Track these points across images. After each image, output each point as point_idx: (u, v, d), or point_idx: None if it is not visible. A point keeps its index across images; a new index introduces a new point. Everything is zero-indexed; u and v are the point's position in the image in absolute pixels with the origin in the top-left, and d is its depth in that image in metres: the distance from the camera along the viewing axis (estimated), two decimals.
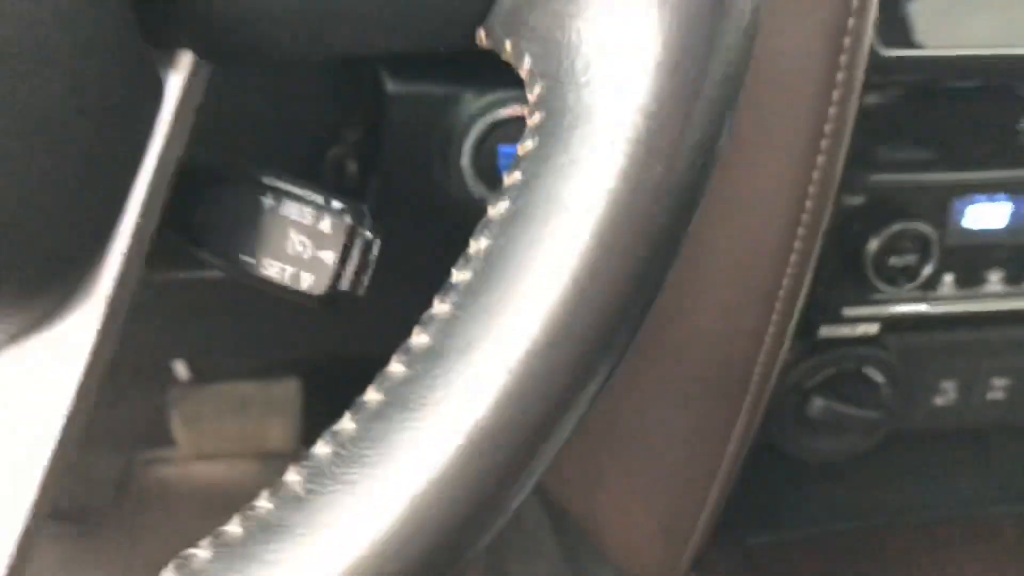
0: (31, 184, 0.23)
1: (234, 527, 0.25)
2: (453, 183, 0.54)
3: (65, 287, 0.26)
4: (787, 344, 0.57)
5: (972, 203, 0.57)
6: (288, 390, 1.06)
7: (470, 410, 0.23)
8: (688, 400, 0.61)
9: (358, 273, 0.31)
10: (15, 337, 0.27)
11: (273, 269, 0.30)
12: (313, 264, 0.30)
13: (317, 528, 0.23)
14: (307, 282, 0.30)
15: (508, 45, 0.26)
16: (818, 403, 0.62)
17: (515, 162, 0.25)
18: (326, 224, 0.30)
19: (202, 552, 0.25)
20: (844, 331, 0.60)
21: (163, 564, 0.25)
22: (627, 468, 0.70)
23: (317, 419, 1.12)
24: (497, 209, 0.25)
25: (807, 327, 0.58)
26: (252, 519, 0.25)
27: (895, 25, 0.47)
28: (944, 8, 0.48)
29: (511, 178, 0.25)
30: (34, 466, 0.26)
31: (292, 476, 0.25)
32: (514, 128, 0.54)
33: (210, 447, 1.09)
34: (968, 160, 0.56)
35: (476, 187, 0.54)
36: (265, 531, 0.24)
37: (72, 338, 0.26)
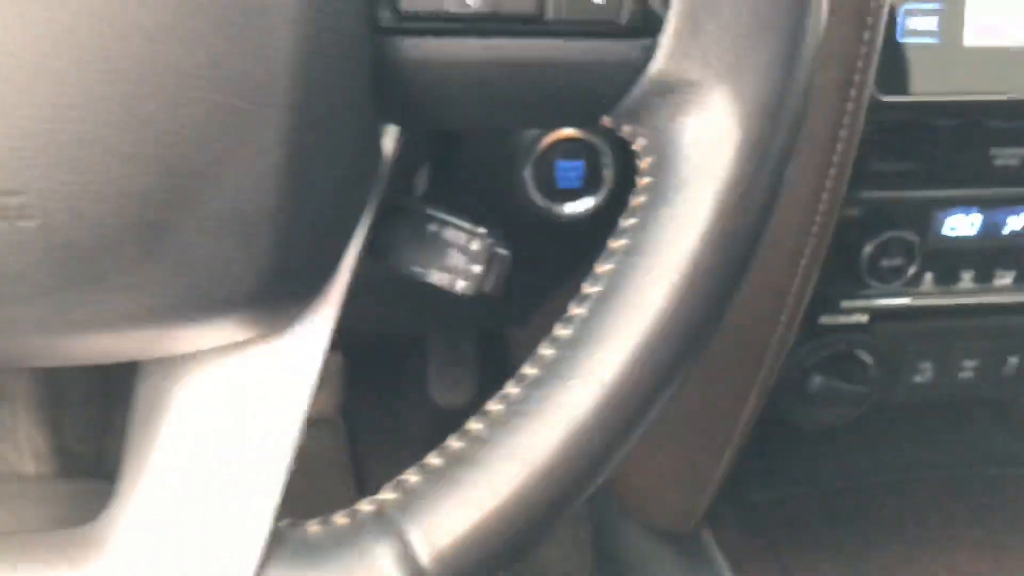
0: (306, 214, 0.33)
1: (434, 459, 0.36)
2: (516, 191, 0.65)
3: (312, 295, 0.36)
4: (794, 329, 0.68)
5: (950, 215, 0.68)
6: (333, 363, 1.17)
7: (601, 380, 0.34)
8: (709, 374, 0.72)
9: (496, 279, 0.42)
10: (266, 336, 0.37)
11: (436, 277, 0.41)
12: (466, 273, 0.41)
13: (497, 460, 0.35)
14: (461, 286, 0.41)
15: (627, 129, 0.36)
16: (817, 379, 0.73)
17: (629, 210, 0.36)
18: (475, 244, 0.41)
19: (412, 476, 0.36)
20: (840, 320, 0.71)
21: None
22: (651, 431, 0.82)
23: (355, 389, 1.23)
24: (618, 243, 0.36)
25: (809, 316, 0.69)
26: (447, 453, 0.36)
27: (891, 75, 0.58)
28: (930, 61, 0.59)
29: (627, 222, 0.36)
30: (282, 455, 0.37)
31: (474, 425, 0.36)
32: (569, 147, 0.64)
33: None
34: (947, 179, 0.67)
35: (535, 195, 0.65)
36: (459, 462, 0.35)
37: (313, 336, 0.37)
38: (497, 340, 1.16)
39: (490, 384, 0.38)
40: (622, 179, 0.62)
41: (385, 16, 0.32)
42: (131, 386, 0.38)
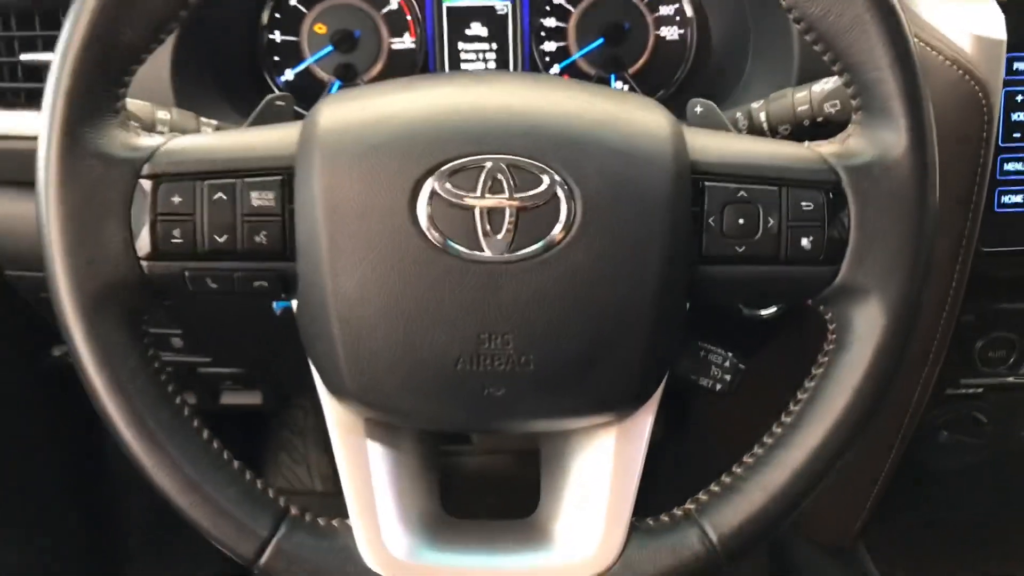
0: (659, 351, 0.64)
1: (725, 478, 0.66)
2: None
3: (650, 396, 0.67)
4: (927, 398, 0.96)
5: None
6: None
7: (817, 441, 0.64)
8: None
9: (738, 384, 0.72)
10: (622, 419, 0.68)
11: (704, 381, 0.72)
12: (722, 380, 0.72)
13: (769, 484, 0.64)
14: (719, 387, 0.72)
15: (821, 308, 0.66)
16: (944, 434, 1.00)
17: (823, 355, 0.65)
18: (727, 363, 0.72)
19: (709, 488, 0.66)
20: (961, 391, 0.98)
21: None
22: None
23: None
24: (817, 371, 0.65)
25: (938, 389, 0.97)
26: (730, 475, 0.66)
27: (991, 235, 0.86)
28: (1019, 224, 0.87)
29: (823, 359, 0.65)
30: (634, 474, 0.68)
31: (747, 459, 0.66)
32: None
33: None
34: None
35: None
36: (738, 484, 0.65)
37: (645, 419, 0.68)
38: None
39: None
40: None
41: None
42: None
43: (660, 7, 1.03)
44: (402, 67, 1.03)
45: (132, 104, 0.75)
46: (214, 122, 0.81)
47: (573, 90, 0.66)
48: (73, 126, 0.60)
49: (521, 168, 0.59)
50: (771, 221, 0.62)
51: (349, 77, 1.02)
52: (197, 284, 0.62)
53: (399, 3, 1.01)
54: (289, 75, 1.02)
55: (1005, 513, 1.11)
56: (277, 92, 1.01)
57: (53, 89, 0.59)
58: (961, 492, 1.14)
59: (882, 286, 0.63)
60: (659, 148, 0.62)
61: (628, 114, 0.64)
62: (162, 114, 0.78)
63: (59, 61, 0.59)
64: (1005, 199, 0.86)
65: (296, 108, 1.01)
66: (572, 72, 1.04)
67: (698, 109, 0.75)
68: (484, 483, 1.44)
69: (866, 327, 0.63)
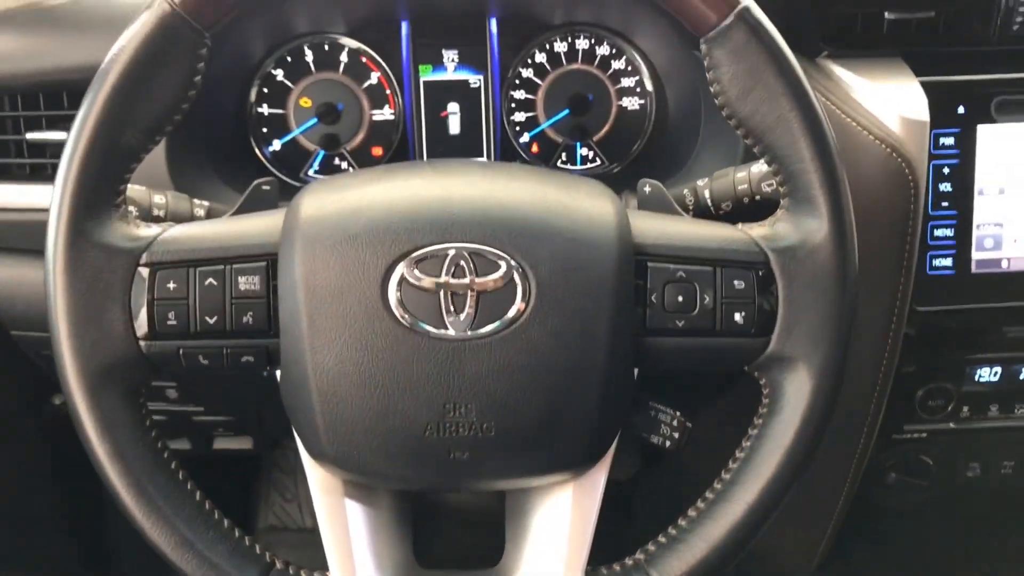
0: (612, 418, 0.71)
1: (671, 529, 0.73)
2: None
3: (604, 454, 0.74)
4: (873, 443, 1.03)
5: (978, 368, 1.01)
6: None
7: (750, 503, 0.71)
8: (820, 469, 1.08)
9: (685, 441, 0.79)
10: (579, 476, 0.74)
11: (654, 439, 0.79)
12: (670, 438, 0.79)
13: (710, 536, 0.71)
14: (668, 444, 0.79)
15: (755, 374, 0.73)
16: (892, 475, 1.07)
17: (758, 416, 0.72)
18: (675, 422, 0.79)
19: (657, 539, 0.73)
20: (906, 436, 1.05)
21: None
22: None
23: None
24: (753, 431, 0.72)
25: (883, 434, 1.04)
26: (675, 527, 0.72)
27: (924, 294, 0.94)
28: (949, 285, 0.94)
29: (757, 421, 0.72)
30: (591, 521, 0.75)
31: (691, 512, 0.72)
32: None
33: None
34: (975, 348, 1.01)
35: None
36: (682, 535, 0.72)
37: (600, 474, 0.74)
38: None
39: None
40: None
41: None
42: None
43: (622, 79, 1.10)
44: (382, 136, 1.10)
45: (131, 190, 0.82)
46: (206, 203, 0.88)
47: (529, 180, 0.73)
48: (78, 221, 0.67)
49: (481, 255, 0.66)
50: (707, 298, 0.70)
51: (332, 147, 1.10)
52: (190, 361, 0.69)
53: (379, 78, 1.09)
54: (276, 145, 1.10)
55: (952, 547, 1.18)
56: (264, 160, 1.09)
57: (60, 188, 0.66)
58: (911, 528, 1.21)
59: (808, 356, 0.70)
60: (605, 233, 0.69)
61: (578, 202, 0.71)
62: (158, 198, 0.85)
63: (65, 163, 0.66)
64: (936, 262, 0.94)
65: (281, 177, 1.09)
66: (541, 140, 1.11)
67: (647, 188, 0.82)
68: (460, 521, 1.50)
69: (795, 393, 0.70)
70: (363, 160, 1.10)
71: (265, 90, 1.08)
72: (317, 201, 0.70)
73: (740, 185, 0.86)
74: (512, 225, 0.67)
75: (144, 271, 0.68)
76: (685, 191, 0.89)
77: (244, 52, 1.06)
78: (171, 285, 0.68)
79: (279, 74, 1.08)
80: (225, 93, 1.06)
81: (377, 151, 1.11)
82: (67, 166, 0.66)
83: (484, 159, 1.07)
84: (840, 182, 0.69)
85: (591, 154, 1.12)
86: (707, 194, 0.87)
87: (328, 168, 1.10)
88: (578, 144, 1.11)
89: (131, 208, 0.83)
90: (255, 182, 0.81)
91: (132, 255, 0.68)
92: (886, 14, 0.93)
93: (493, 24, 1.08)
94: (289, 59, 1.08)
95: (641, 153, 1.11)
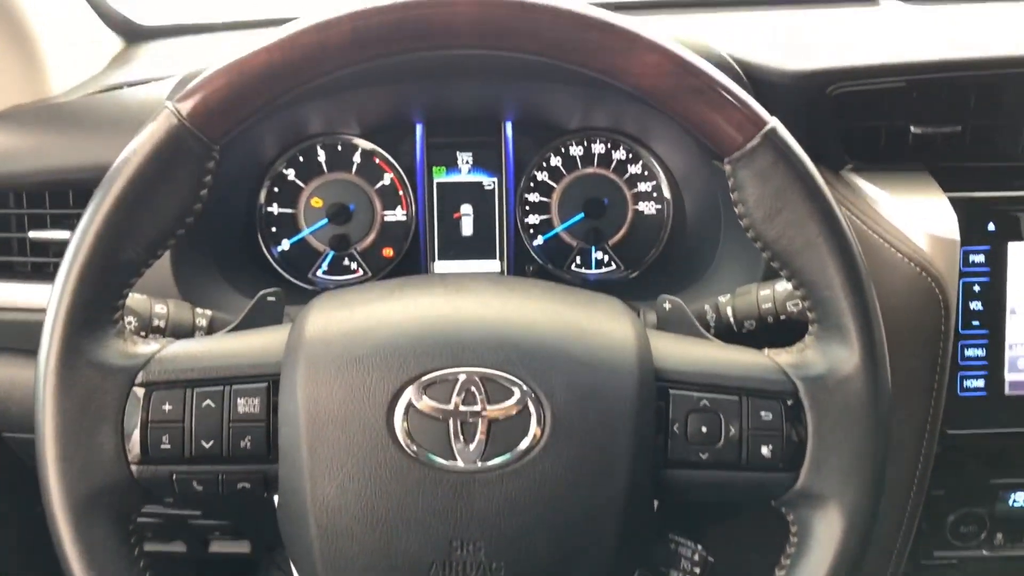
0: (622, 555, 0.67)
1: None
2: None
3: None
4: (901, 570, 0.97)
5: (1013, 492, 0.97)
6: None
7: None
8: None
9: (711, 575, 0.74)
10: None
11: (674, 575, 0.74)
12: (692, 573, 0.74)
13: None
14: None
15: (783, 510, 0.69)
16: None
17: (791, 545, 0.68)
18: (696, 556, 0.74)
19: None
20: (936, 563, 0.99)
21: None
22: None
23: None
24: (781, 571, 0.67)
25: (913, 560, 0.98)
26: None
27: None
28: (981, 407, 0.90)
29: (790, 549, 0.67)
30: None
31: None
32: None
33: None
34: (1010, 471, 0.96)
35: None
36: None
37: None
38: None
39: None
40: None
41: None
42: None
43: (638, 184, 1.08)
44: (394, 237, 1.08)
45: (130, 299, 0.79)
46: (209, 312, 0.85)
47: (544, 299, 0.70)
48: (72, 339, 0.63)
49: (493, 381, 0.63)
50: (732, 430, 0.66)
51: (343, 247, 1.07)
52: (183, 486, 0.65)
53: (392, 179, 1.07)
54: (285, 245, 1.07)
55: None
56: (272, 260, 1.07)
57: (55, 304, 0.63)
58: None
59: (839, 494, 0.65)
60: (625, 358, 0.65)
61: (596, 324, 0.68)
62: (159, 308, 0.82)
63: (62, 279, 0.63)
64: (967, 383, 0.90)
65: (289, 277, 1.07)
66: (555, 243, 1.09)
67: (667, 305, 0.79)
68: None
69: (825, 532, 0.66)
70: (374, 261, 1.08)
71: (276, 189, 1.06)
72: (322, 319, 0.67)
73: (764, 304, 0.83)
74: (526, 349, 0.64)
75: (139, 391, 0.64)
76: (706, 307, 0.86)
77: (255, 152, 1.04)
78: (167, 407, 0.64)
79: (290, 174, 1.06)
80: (234, 192, 1.04)
81: (388, 252, 1.08)
82: (63, 282, 0.64)
83: (497, 273, 1.04)
84: (872, 311, 0.65)
85: (606, 258, 1.09)
86: (729, 311, 0.84)
87: (337, 269, 1.08)
88: (593, 248, 1.09)
89: (130, 319, 0.80)
90: (260, 293, 0.78)
91: (127, 374, 0.65)
92: (912, 128, 0.91)
93: (508, 127, 1.07)
94: (301, 159, 1.06)
95: (658, 259, 1.08)
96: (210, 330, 0.84)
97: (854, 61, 0.90)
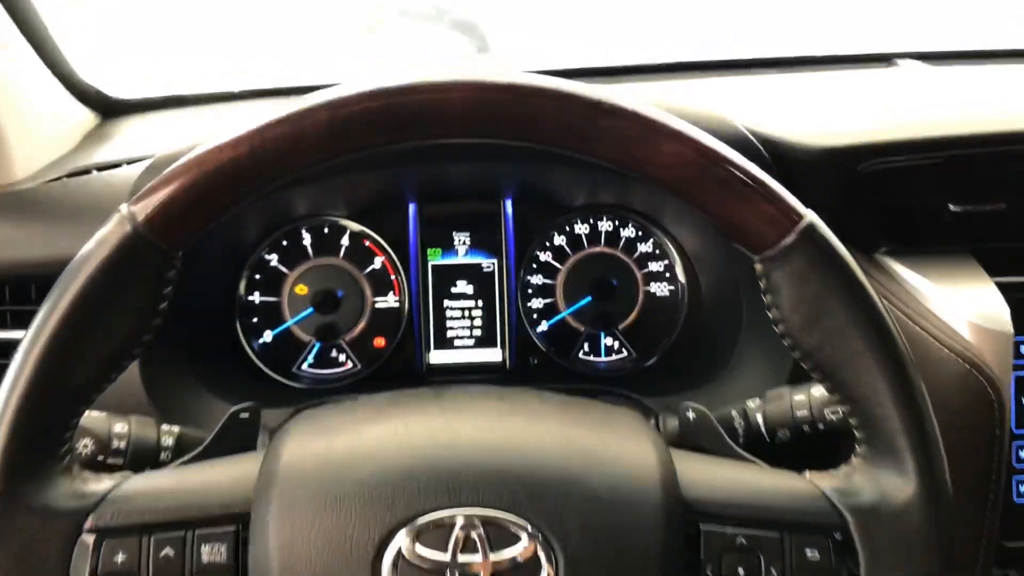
0: None
1: None
2: None
3: None
4: None
5: None
6: None
7: None
8: None
9: None
10: None
11: None
12: None
13: None
14: None
15: None
16: None
17: None
18: None
19: None
20: None
21: None
22: None
23: None
24: None
25: None
26: None
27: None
28: None
29: None
30: None
31: None
32: None
33: None
34: None
35: None
36: None
37: None
38: None
39: None
40: None
41: None
42: None
43: (649, 263, 1.00)
44: (386, 326, 0.99)
45: (86, 418, 0.71)
46: (176, 429, 0.76)
47: (551, 419, 0.61)
48: (9, 481, 0.55)
49: (497, 524, 0.54)
50: (774, 572, 0.57)
51: (330, 338, 0.99)
52: None
53: (383, 262, 0.99)
54: (267, 337, 0.99)
55: None
56: (252, 355, 0.98)
57: None
58: None
59: None
60: (648, 490, 0.57)
61: (613, 447, 0.59)
62: (119, 427, 0.73)
63: None
64: None
65: (271, 373, 0.98)
66: (561, 329, 1.00)
67: (691, 414, 0.71)
68: None
69: None
70: (364, 352, 0.99)
71: (257, 277, 0.98)
72: (298, 448, 0.59)
73: (799, 411, 0.74)
74: (534, 485, 0.55)
75: (88, 538, 0.55)
76: (733, 412, 0.77)
77: (235, 237, 0.96)
78: (119, 558, 0.55)
79: (273, 259, 0.98)
80: (211, 282, 0.96)
81: (379, 342, 1.00)
82: (0, 413, 0.55)
83: (496, 386, 0.95)
84: (929, 432, 0.57)
85: (616, 344, 1.01)
86: (760, 419, 0.75)
87: (325, 361, 0.99)
88: (602, 333, 1.01)
89: (86, 441, 0.71)
90: (232, 410, 0.70)
91: (75, 518, 0.56)
92: (950, 206, 0.83)
93: (508, 205, 0.99)
94: (285, 243, 0.98)
95: (673, 346, 1.00)
96: (177, 450, 0.74)
97: (889, 135, 0.82)
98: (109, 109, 1.18)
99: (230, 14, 1.62)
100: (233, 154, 0.55)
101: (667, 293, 1.00)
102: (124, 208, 0.56)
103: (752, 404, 0.76)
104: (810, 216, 0.57)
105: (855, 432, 0.59)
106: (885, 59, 1.22)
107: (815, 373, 0.59)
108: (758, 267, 0.58)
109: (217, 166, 0.55)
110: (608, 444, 0.59)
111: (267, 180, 0.56)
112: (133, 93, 1.20)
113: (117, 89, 1.19)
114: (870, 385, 0.57)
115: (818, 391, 0.73)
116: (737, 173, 0.56)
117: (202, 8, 1.59)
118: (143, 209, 0.55)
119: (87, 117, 1.15)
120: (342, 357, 0.99)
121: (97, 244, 0.56)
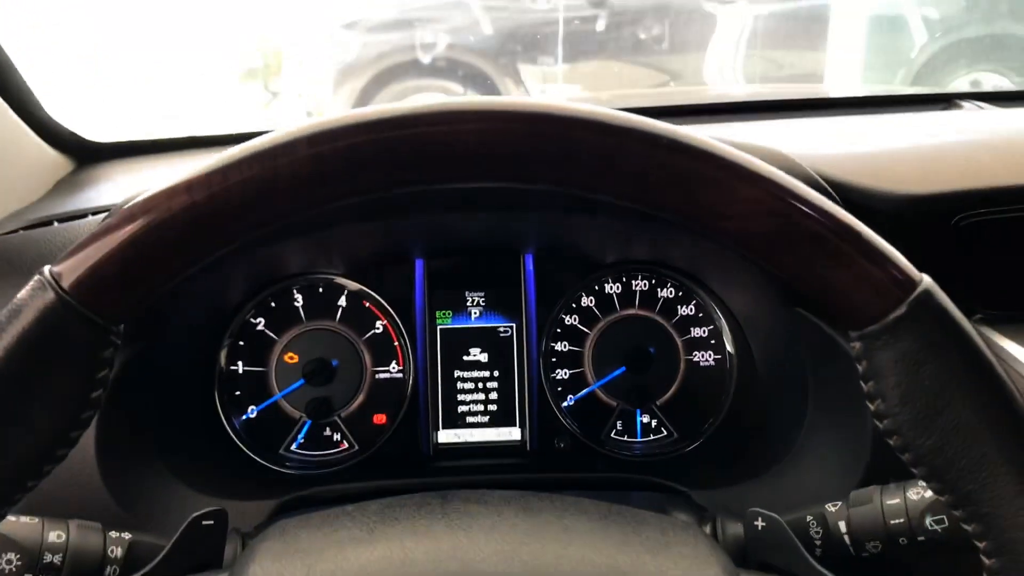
0: None
1: None
2: None
3: None
4: None
5: None
6: None
7: None
8: None
9: None
10: None
11: None
12: None
13: None
14: None
15: None
16: None
17: None
18: None
19: None
20: None
21: None
22: None
23: None
24: None
25: None
26: None
27: None
28: None
29: None
30: None
31: None
32: None
33: None
34: None
35: None
36: None
37: None
38: None
39: None
40: None
41: None
42: None
43: (691, 329, 0.87)
44: (387, 401, 0.86)
45: (12, 525, 0.58)
46: (127, 536, 0.62)
47: (591, 541, 0.48)
48: None
49: None
50: None
51: (323, 414, 0.86)
52: None
53: (384, 326, 0.87)
54: (251, 413, 0.86)
55: None
56: (233, 434, 0.85)
57: None
58: None
59: None
60: None
61: None
62: (55, 535, 0.59)
63: None
64: None
65: (254, 457, 0.85)
66: (590, 404, 0.87)
67: (759, 523, 0.57)
68: None
69: None
70: (361, 431, 0.86)
71: (241, 343, 0.86)
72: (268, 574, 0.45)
73: (893, 519, 0.60)
74: None
75: None
76: (809, 519, 0.63)
77: (215, 297, 0.84)
78: None
79: (260, 323, 0.86)
80: (186, 349, 0.83)
81: (379, 419, 0.87)
82: None
83: (517, 492, 0.80)
84: None
85: (654, 423, 0.88)
86: (843, 527, 0.61)
87: (316, 442, 0.86)
88: (638, 411, 0.87)
89: (10, 556, 0.58)
90: (193, 516, 0.56)
91: None
92: None
93: (529, 261, 0.87)
94: (273, 305, 0.86)
95: (721, 426, 0.86)
96: (127, 564, 0.61)
97: (989, 181, 0.69)
98: (86, 154, 1.06)
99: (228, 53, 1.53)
100: (188, 200, 0.42)
101: (712, 363, 0.87)
102: (46, 270, 0.43)
103: (832, 508, 0.62)
104: (926, 282, 0.44)
105: (983, 559, 0.46)
106: (945, 99, 1.10)
107: (931, 482, 0.45)
108: (856, 346, 0.45)
109: (167, 215, 0.43)
110: (664, 572, 0.46)
111: (231, 234, 0.44)
112: (114, 136, 1.09)
113: (97, 132, 1.07)
114: (1007, 501, 0.43)
115: (915, 493, 0.60)
116: (835, 227, 0.43)
117: (196, 49, 1.50)
118: (70, 270, 0.43)
119: (61, 162, 1.04)
120: (336, 436, 0.86)
121: (9, 315, 0.43)
